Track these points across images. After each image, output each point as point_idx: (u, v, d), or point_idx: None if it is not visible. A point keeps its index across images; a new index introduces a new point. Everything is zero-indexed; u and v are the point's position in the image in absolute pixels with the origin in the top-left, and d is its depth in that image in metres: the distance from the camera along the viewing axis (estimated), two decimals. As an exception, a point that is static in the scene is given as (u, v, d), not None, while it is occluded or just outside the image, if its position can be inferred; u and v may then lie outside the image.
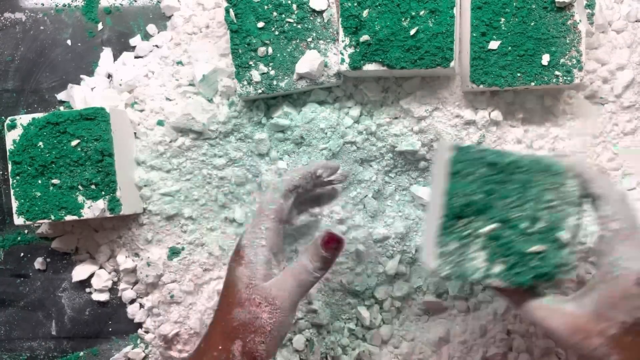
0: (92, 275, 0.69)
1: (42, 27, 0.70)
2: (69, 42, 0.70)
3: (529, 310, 0.44)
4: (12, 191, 0.62)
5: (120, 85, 0.66)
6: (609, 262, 0.42)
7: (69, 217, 0.61)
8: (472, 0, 0.56)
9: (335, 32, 0.59)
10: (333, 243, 0.47)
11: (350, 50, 0.57)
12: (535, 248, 0.43)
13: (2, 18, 0.70)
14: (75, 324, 0.70)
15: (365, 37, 0.56)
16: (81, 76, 0.68)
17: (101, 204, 0.60)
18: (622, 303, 0.41)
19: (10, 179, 0.61)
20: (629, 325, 0.41)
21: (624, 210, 0.43)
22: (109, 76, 0.68)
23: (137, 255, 0.68)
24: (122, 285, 0.69)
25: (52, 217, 0.61)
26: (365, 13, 0.56)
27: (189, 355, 0.52)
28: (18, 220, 0.62)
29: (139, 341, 0.69)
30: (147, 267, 0.66)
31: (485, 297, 0.63)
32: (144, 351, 0.69)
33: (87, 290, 0.70)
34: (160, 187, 0.65)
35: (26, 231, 0.71)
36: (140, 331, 0.69)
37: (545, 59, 0.55)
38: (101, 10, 0.69)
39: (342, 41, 0.57)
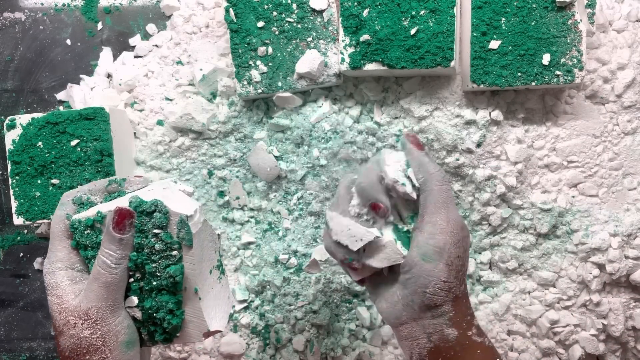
0: (91, 276, 0.69)
1: (41, 27, 0.70)
2: (68, 41, 0.70)
3: (433, 190, 0.44)
4: (11, 191, 0.61)
5: (120, 85, 0.66)
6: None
7: (68, 217, 0.60)
8: (473, 0, 0.55)
9: (335, 32, 0.59)
10: (125, 218, 0.41)
11: (351, 50, 0.56)
12: None
13: (1, 18, 0.70)
14: (75, 324, 0.70)
15: (365, 37, 0.56)
16: (81, 76, 0.68)
17: (101, 204, 0.60)
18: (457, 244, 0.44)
19: (10, 179, 0.61)
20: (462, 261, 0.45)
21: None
22: (109, 76, 0.68)
23: (136, 255, 0.67)
24: (121, 286, 0.68)
25: (52, 217, 0.61)
26: (365, 12, 0.56)
27: None
28: (17, 220, 0.61)
29: (138, 341, 0.69)
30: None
31: (485, 297, 0.63)
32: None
33: (87, 290, 0.69)
34: (160, 187, 0.65)
35: (25, 231, 0.70)
36: (140, 331, 0.69)
37: (546, 58, 0.55)
38: (101, 10, 0.69)
39: (342, 41, 0.57)
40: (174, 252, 0.42)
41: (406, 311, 0.44)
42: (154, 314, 0.43)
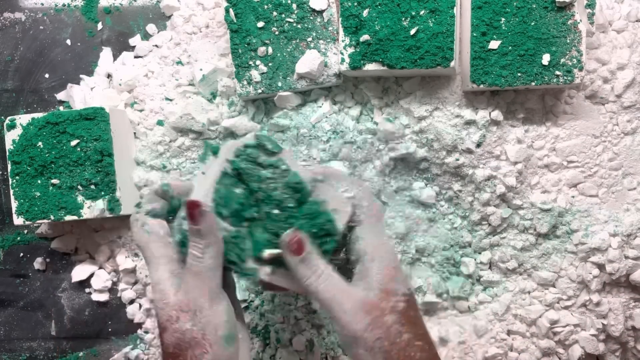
0: (91, 276, 0.69)
1: (41, 27, 0.70)
2: (68, 41, 0.70)
3: (318, 292, 0.42)
4: (11, 191, 0.61)
5: (120, 85, 0.66)
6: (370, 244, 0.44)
7: (68, 217, 0.60)
8: (473, 0, 0.56)
9: (335, 32, 0.59)
10: (194, 209, 0.43)
11: (350, 50, 0.56)
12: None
13: (1, 18, 0.70)
14: (75, 324, 0.70)
15: (365, 37, 0.56)
16: (81, 76, 0.68)
17: (101, 204, 0.60)
18: (398, 274, 0.43)
19: (10, 179, 0.61)
20: (407, 297, 0.43)
21: (362, 190, 0.46)
22: (109, 76, 0.68)
23: (136, 255, 0.67)
24: (121, 286, 0.68)
25: (52, 217, 0.61)
26: (365, 13, 0.56)
27: None
28: (17, 221, 0.61)
29: (138, 341, 0.69)
30: (146, 267, 0.66)
31: (485, 297, 0.63)
32: (143, 352, 0.69)
33: (87, 290, 0.69)
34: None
35: (26, 231, 0.70)
36: (139, 331, 0.69)
37: (546, 58, 0.55)
38: (101, 10, 0.69)
39: (342, 41, 0.57)
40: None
41: None
42: (313, 226, 0.44)
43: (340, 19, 0.57)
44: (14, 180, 0.61)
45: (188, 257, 0.43)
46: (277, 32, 0.59)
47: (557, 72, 0.55)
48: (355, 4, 0.56)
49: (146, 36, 0.68)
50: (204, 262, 0.43)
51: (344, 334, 0.41)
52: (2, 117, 0.69)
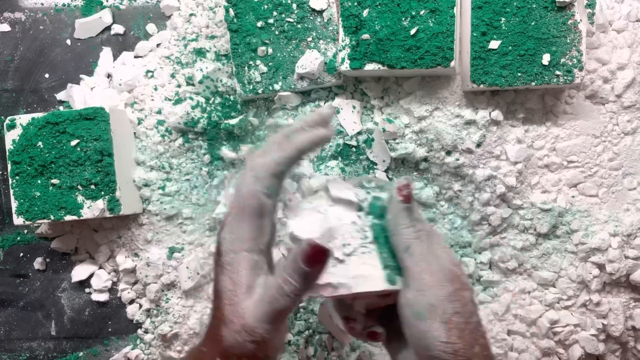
0: (91, 276, 0.69)
1: (41, 27, 0.70)
2: (68, 41, 0.70)
3: (411, 244, 0.40)
4: (11, 191, 0.61)
5: (120, 85, 0.66)
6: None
7: (68, 217, 0.60)
8: (473, 0, 0.56)
9: (335, 32, 0.59)
10: (318, 257, 0.37)
11: (351, 50, 0.56)
12: None
13: (1, 18, 0.70)
14: (75, 324, 0.70)
15: (365, 37, 0.56)
16: (81, 76, 0.68)
17: (101, 204, 0.60)
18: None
19: (10, 179, 0.61)
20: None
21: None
22: (109, 76, 0.68)
23: (136, 255, 0.67)
24: (121, 286, 0.68)
25: (52, 217, 0.61)
26: (365, 12, 0.56)
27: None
28: (17, 220, 0.61)
29: (138, 341, 0.69)
30: (146, 267, 0.66)
31: (485, 297, 0.63)
32: (143, 352, 0.69)
33: (87, 290, 0.69)
34: (160, 187, 0.65)
35: (26, 231, 0.70)
36: (139, 331, 0.69)
37: (546, 58, 0.55)
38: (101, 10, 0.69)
39: (342, 41, 0.57)
40: None
41: None
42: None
43: (340, 18, 0.57)
44: (14, 180, 0.61)
45: (273, 288, 0.38)
46: (277, 32, 0.59)
47: (557, 72, 0.55)
48: (355, 3, 0.56)
49: (146, 36, 0.68)
50: (291, 302, 0.38)
51: (424, 300, 0.38)
52: (2, 117, 0.69)
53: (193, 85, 0.64)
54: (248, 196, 0.40)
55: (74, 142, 0.60)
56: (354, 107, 0.61)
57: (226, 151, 0.63)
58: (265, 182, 0.40)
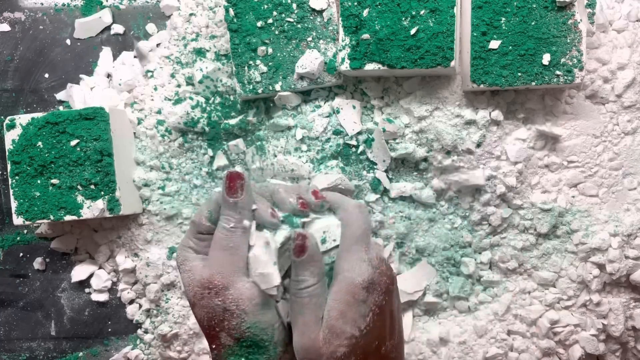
0: (91, 276, 0.69)
1: (41, 27, 0.70)
2: (68, 41, 0.69)
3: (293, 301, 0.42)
4: (11, 191, 0.61)
5: (120, 85, 0.66)
6: (336, 272, 0.42)
7: (68, 217, 0.60)
8: (473, 0, 0.55)
9: (335, 32, 0.59)
10: (235, 181, 0.41)
11: (350, 50, 0.56)
12: None
13: (1, 18, 0.70)
14: (75, 324, 0.70)
15: (365, 37, 0.56)
16: (80, 76, 0.68)
17: (100, 204, 0.60)
18: (350, 311, 0.40)
19: (10, 179, 0.61)
20: (355, 339, 0.40)
21: (356, 217, 0.44)
22: (109, 76, 0.68)
23: (136, 255, 0.67)
24: (121, 286, 0.68)
25: (52, 217, 0.61)
26: (365, 12, 0.56)
27: None
28: (17, 220, 0.61)
29: (138, 341, 0.69)
30: (146, 268, 0.66)
31: (485, 297, 0.63)
32: (143, 352, 0.69)
33: (87, 290, 0.69)
34: (160, 187, 0.65)
35: (25, 231, 0.70)
36: (139, 331, 0.69)
37: (546, 58, 0.55)
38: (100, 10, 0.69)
39: (342, 41, 0.57)
40: None
41: None
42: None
43: (340, 18, 0.57)
44: (14, 180, 0.61)
45: (217, 231, 0.42)
46: (277, 32, 0.59)
47: (558, 72, 0.55)
48: (355, 3, 0.56)
49: (146, 36, 0.68)
50: (235, 237, 0.41)
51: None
52: (2, 117, 0.69)
53: (193, 85, 0.64)
54: (197, 213, 0.44)
55: (73, 142, 0.60)
56: (354, 107, 0.61)
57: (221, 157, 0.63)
58: (210, 206, 0.43)
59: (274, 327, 0.41)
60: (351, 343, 0.40)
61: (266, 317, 0.41)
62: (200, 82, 0.62)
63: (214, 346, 0.42)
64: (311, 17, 0.59)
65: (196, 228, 0.44)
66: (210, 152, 0.64)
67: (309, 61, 0.58)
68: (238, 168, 0.44)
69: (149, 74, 0.66)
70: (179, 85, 0.64)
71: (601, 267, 0.61)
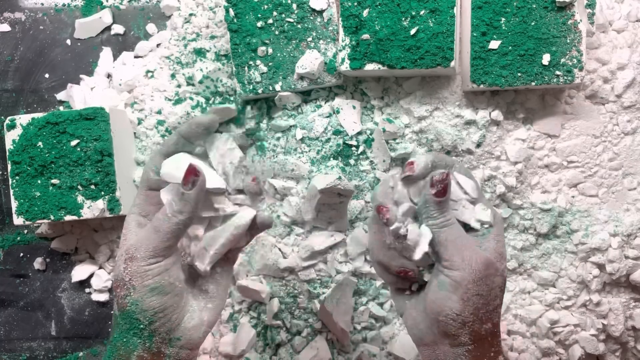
0: (91, 276, 0.69)
1: (41, 27, 0.70)
2: (68, 41, 0.70)
3: (440, 233, 0.44)
4: (11, 191, 0.61)
5: (120, 85, 0.66)
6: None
7: (68, 217, 0.60)
8: (473, 0, 0.56)
9: (335, 32, 0.59)
10: (191, 176, 0.43)
11: (351, 50, 0.56)
12: None
13: (1, 18, 0.70)
14: (75, 324, 0.70)
15: (365, 37, 0.56)
16: (81, 76, 0.68)
17: (101, 204, 0.60)
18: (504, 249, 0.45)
19: (10, 179, 0.61)
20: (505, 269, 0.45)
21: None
22: (109, 76, 0.68)
23: (136, 255, 0.67)
24: (121, 286, 0.68)
25: (52, 217, 0.61)
26: (365, 12, 0.56)
27: None
28: (17, 220, 0.61)
29: (138, 341, 0.69)
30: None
31: (485, 297, 0.63)
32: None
33: (87, 290, 0.69)
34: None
35: (25, 231, 0.70)
36: (140, 331, 0.69)
37: (546, 58, 0.55)
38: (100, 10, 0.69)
39: (342, 41, 0.57)
40: None
41: (427, 333, 0.44)
42: None
43: (340, 18, 0.57)
44: (14, 180, 0.61)
45: (159, 212, 0.44)
46: (277, 32, 0.59)
47: (557, 72, 0.55)
48: (355, 3, 0.56)
49: (146, 36, 0.68)
50: (170, 223, 0.43)
51: (450, 275, 0.42)
52: (2, 117, 0.69)
53: (193, 85, 0.64)
54: (143, 171, 0.47)
55: (74, 142, 0.60)
56: (354, 107, 0.61)
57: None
58: (155, 161, 0.46)
59: (157, 315, 0.42)
60: (506, 269, 0.45)
61: (151, 301, 0.42)
62: (201, 82, 0.62)
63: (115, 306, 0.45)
64: (311, 17, 0.59)
65: (147, 184, 0.46)
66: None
67: (309, 61, 0.58)
68: (201, 163, 0.46)
69: (149, 74, 0.66)
70: (179, 86, 0.64)
71: (601, 267, 0.61)
